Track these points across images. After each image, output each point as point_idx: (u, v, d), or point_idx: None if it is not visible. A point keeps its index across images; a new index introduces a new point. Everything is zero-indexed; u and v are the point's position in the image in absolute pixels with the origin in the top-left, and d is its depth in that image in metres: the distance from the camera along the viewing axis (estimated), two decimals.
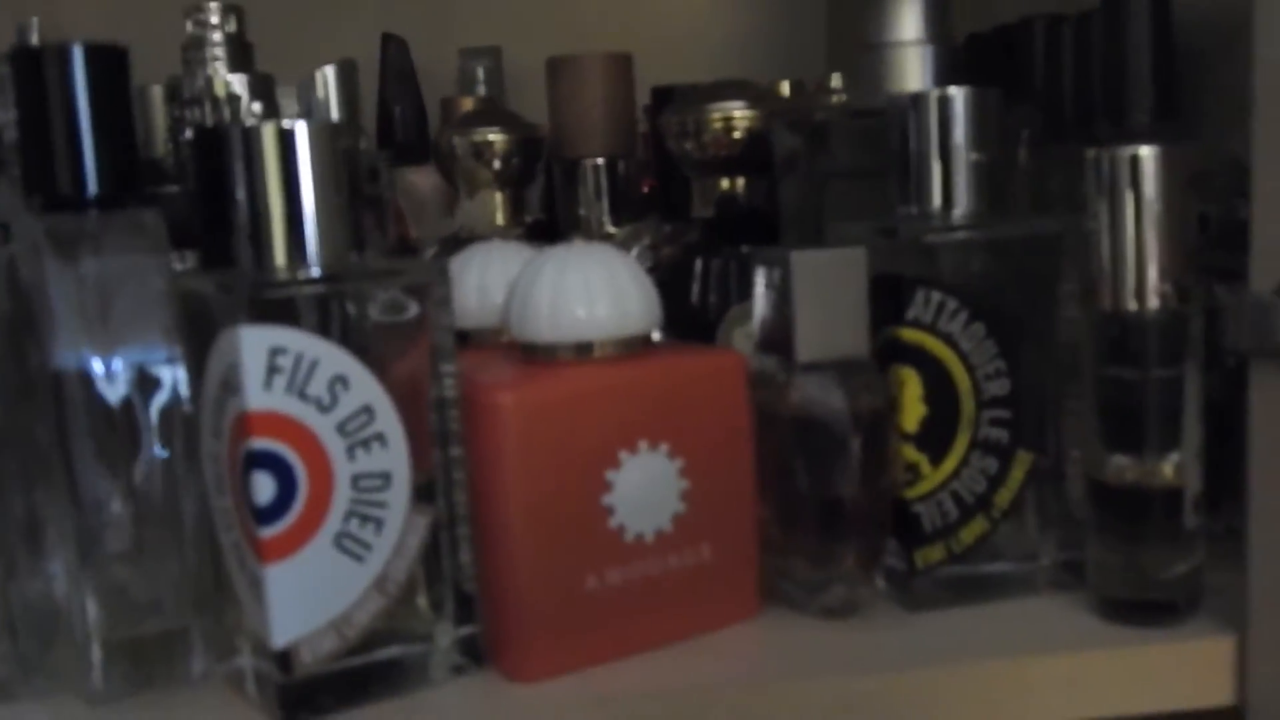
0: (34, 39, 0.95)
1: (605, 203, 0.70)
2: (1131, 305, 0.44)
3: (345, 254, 0.42)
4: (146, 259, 0.43)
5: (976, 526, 0.48)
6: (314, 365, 0.40)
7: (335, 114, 0.64)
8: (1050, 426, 0.48)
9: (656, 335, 0.52)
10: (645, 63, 1.08)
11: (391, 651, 0.43)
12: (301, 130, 0.41)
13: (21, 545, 0.46)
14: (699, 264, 0.59)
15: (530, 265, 0.45)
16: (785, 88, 0.93)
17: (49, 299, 0.42)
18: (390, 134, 1.05)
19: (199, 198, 0.47)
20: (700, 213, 0.61)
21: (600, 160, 0.70)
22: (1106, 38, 0.52)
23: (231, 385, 0.40)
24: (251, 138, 0.41)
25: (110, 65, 0.43)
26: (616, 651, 0.44)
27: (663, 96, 0.72)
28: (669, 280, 0.61)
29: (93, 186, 0.42)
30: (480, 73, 1.06)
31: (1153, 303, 0.44)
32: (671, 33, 1.11)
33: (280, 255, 0.41)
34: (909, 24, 0.51)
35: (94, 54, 0.42)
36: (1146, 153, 0.43)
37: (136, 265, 0.43)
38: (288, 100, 1.05)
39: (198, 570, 0.44)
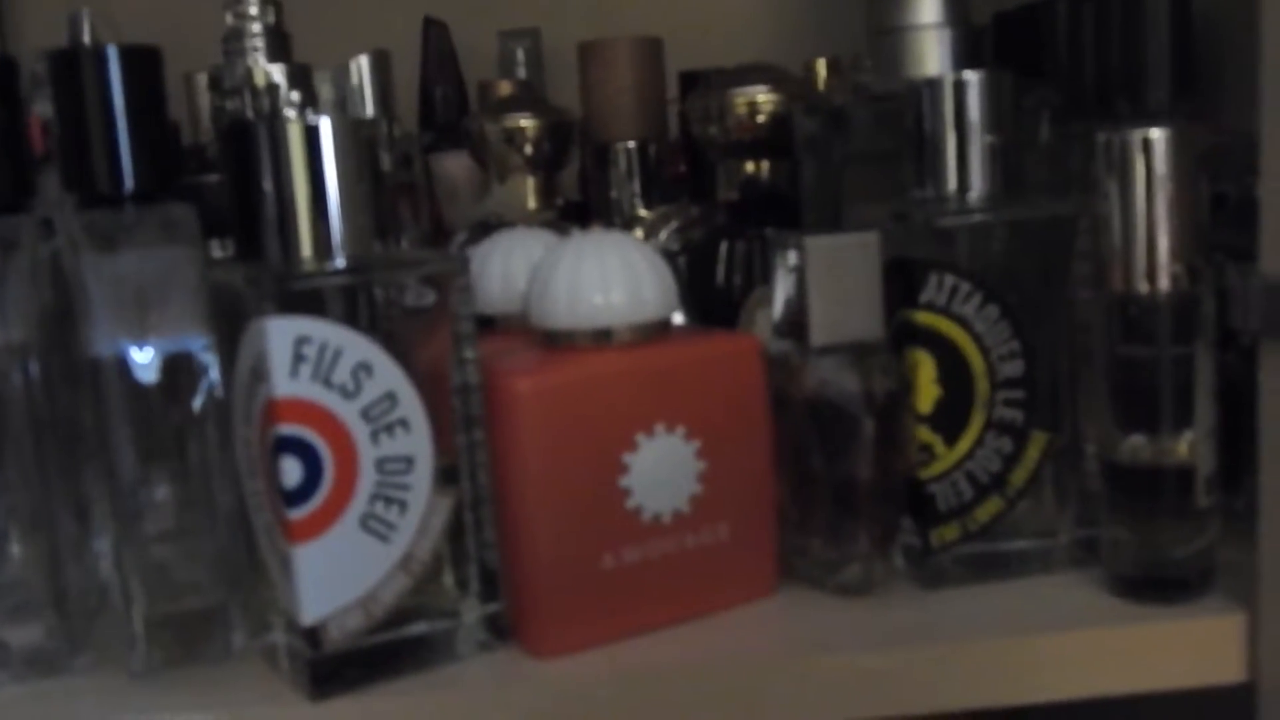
0: (85, 31, 0.98)
1: (636, 186, 0.71)
2: (1143, 287, 0.44)
3: (369, 244, 0.44)
4: (179, 252, 0.45)
5: (992, 505, 0.48)
6: (338, 353, 0.41)
7: (370, 102, 0.65)
8: (1066, 406, 0.49)
9: (678, 319, 0.53)
10: (679, 39, 1.08)
11: (419, 628, 0.45)
12: (326, 126, 0.43)
13: (70, 524, 0.48)
14: (724, 246, 0.60)
15: (549, 254, 0.46)
16: (821, 66, 0.93)
17: (86, 291, 0.44)
18: (431, 116, 1.07)
19: (230, 189, 0.49)
20: (725, 195, 0.62)
21: (631, 144, 0.71)
22: (1124, 16, 0.52)
23: (260, 373, 0.41)
24: (278, 133, 0.43)
25: (144, 65, 0.44)
26: (636, 628, 0.45)
27: (691, 81, 0.73)
28: (697, 262, 0.62)
29: (128, 183, 0.44)
30: (520, 54, 1.07)
31: (1164, 284, 0.44)
32: (706, 6, 1.12)
33: (306, 247, 0.43)
34: (926, 7, 0.52)
35: (128, 55, 0.44)
36: (1156, 134, 0.43)
37: (170, 258, 0.44)
38: (326, 87, 1.08)
39: (233, 550, 0.46)
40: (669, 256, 0.64)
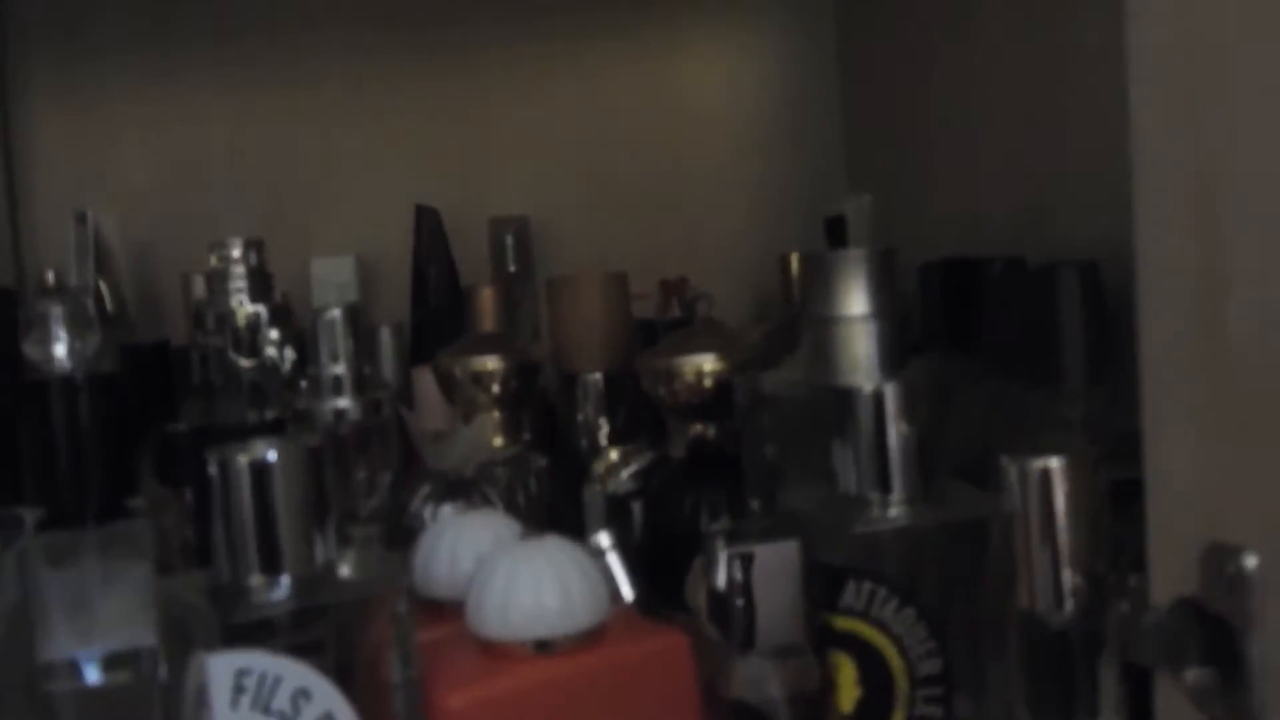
0: (89, 226, 1.03)
1: (603, 417, 0.74)
2: (1045, 606, 0.46)
3: (315, 565, 0.47)
4: (134, 567, 0.48)
5: None
6: (277, 682, 0.44)
7: (343, 355, 0.68)
8: (988, 693, 0.51)
9: (627, 592, 0.55)
10: (664, 221, 1.13)
11: None
12: (274, 459, 0.46)
13: None
14: (674, 499, 0.63)
15: (485, 562, 0.49)
16: (795, 260, 0.97)
17: (42, 604, 0.47)
18: (424, 296, 1.11)
19: (193, 502, 0.52)
20: (677, 452, 0.64)
21: (597, 376, 0.74)
22: (1038, 306, 0.55)
23: (203, 700, 0.44)
24: (228, 468, 0.45)
25: (107, 395, 0.48)
26: None
27: (650, 330, 0.76)
28: (651, 510, 0.65)
29: (88, 503, 0.47)
30: (509, 240, 1.11)
31: (1068, 605, 0.46)
32: (697, 177, 1.15)
33: (253, 569, 0.46)
34: (855, 300, 0.55)
35: (94, 385, 0.47)
36: (1055, 464, 0.46)
37: (124, 574, 0.47)
38: (329, 271, 1.12)
39: None
40: (626, 499, 0.67)
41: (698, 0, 1.15)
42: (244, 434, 0.49)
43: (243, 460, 0.45)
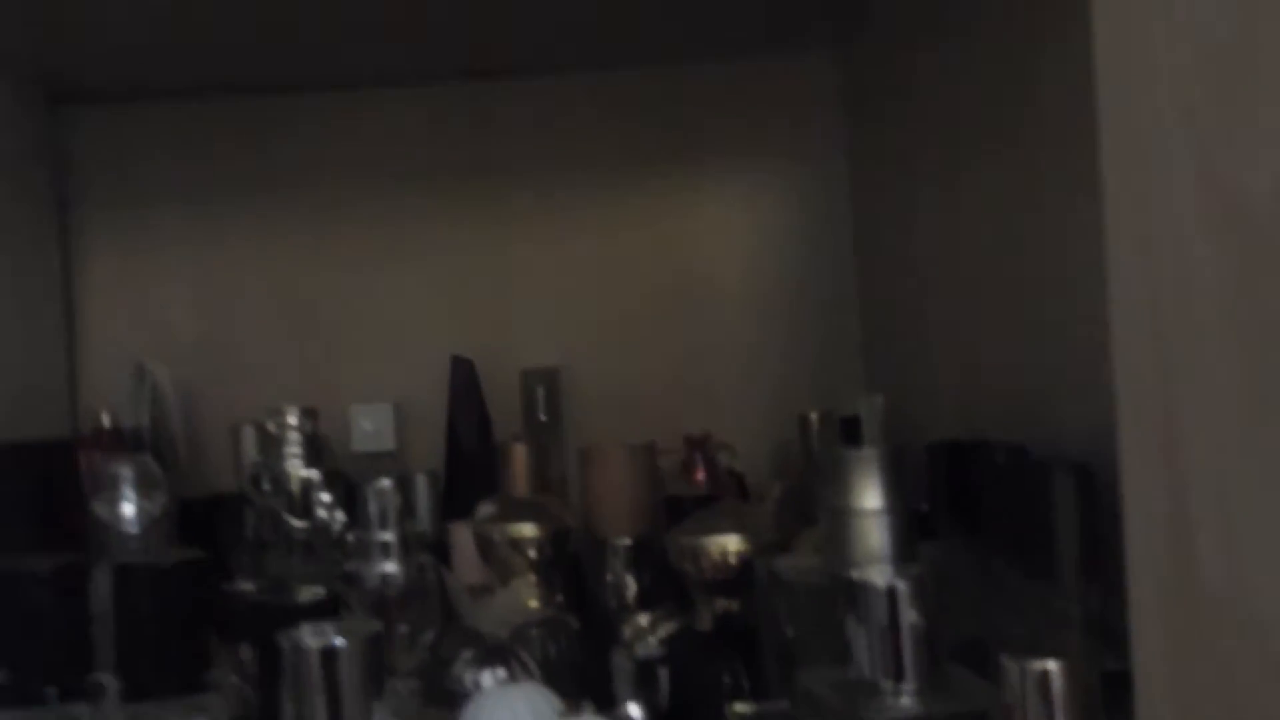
0: (147, 378, 1.09)
1: (632, 580, 0.78)
2: None
3: None
4: None
5: None
6: None
7: (391, 521, 0.73)
8: None
9: None
10: (689, 380, 1.18)
11: None
12: (342, 644, 0.50)
13: None
14: (700, 671, 0.67)
15: None
16: (815, 418, 1.02)
17: None
18: (456, 443, 1.16)
19: (260, 683, 0.57)
20: (701, 622, 0.69)
21: (627, 540, 0.79)
22: (1035, 503, 0.60)
23: None
24: (299, 650, 0.50)
25: (191, 580, 0.53)
26: None
27: (676, 505, 0.81)
28: (676, 676, 0.70)
29: (170, 679, 0.52)
30: (540, 392, 1.17)
31: None
32: (718, 330, 1.21)
33: None
34: (869, 495, 0.60)
35: (180, 570, 0.52)
36: (1053, 667, 0.50)
37: None
38: (368, 417, 1.17)
39: None
40: (654, 663, 0.71)
41: (718, 158, 1.22)
42: (301, 612, 0.54)
43: (313, 644, 0.50)
